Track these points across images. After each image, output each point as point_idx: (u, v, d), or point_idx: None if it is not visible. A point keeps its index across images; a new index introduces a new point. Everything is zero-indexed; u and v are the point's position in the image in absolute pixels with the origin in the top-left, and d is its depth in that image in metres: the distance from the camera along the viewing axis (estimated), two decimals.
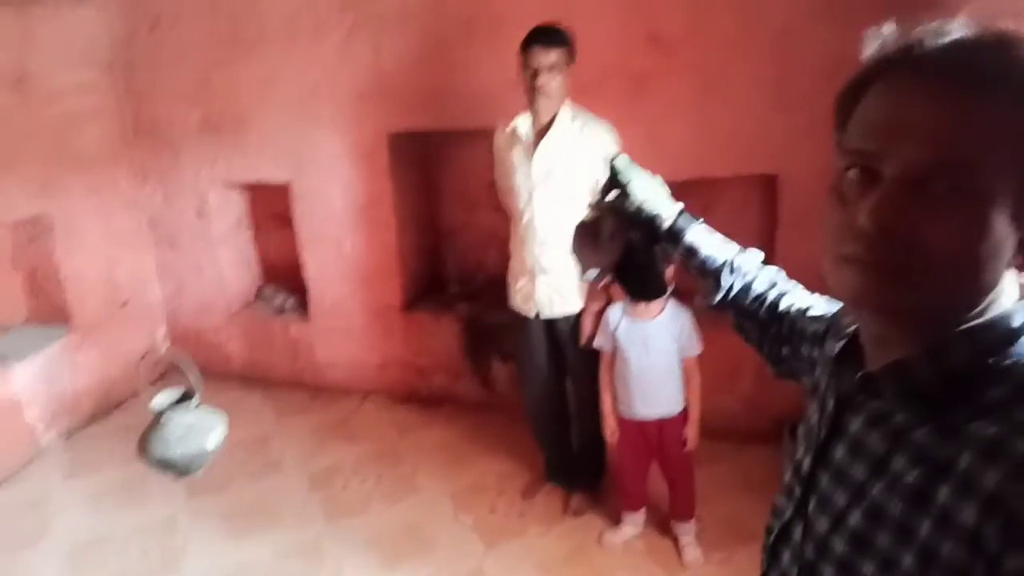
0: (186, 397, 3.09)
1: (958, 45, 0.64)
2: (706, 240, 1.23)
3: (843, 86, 0.73)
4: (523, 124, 2.84)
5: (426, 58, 3.59)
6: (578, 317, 2.95)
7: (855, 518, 0.71)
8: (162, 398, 3.05)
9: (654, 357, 2.73)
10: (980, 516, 0.59)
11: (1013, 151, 0.62)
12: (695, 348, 2.76)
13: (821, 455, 0.80)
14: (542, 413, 3.23)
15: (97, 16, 4.02)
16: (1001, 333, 0.67)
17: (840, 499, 0.75)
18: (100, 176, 4.14)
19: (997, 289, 0.67)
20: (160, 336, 4.62)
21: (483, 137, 3.18)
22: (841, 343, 0.83)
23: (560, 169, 2.79)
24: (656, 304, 2.70)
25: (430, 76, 3.60)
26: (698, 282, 1.26)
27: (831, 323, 0.98)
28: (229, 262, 4.49)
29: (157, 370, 4.45)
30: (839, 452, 0.77)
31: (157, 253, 4.54)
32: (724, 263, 1.21)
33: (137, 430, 3.15)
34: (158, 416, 3.00)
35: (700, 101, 3.21)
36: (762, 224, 3.48)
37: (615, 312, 2.79)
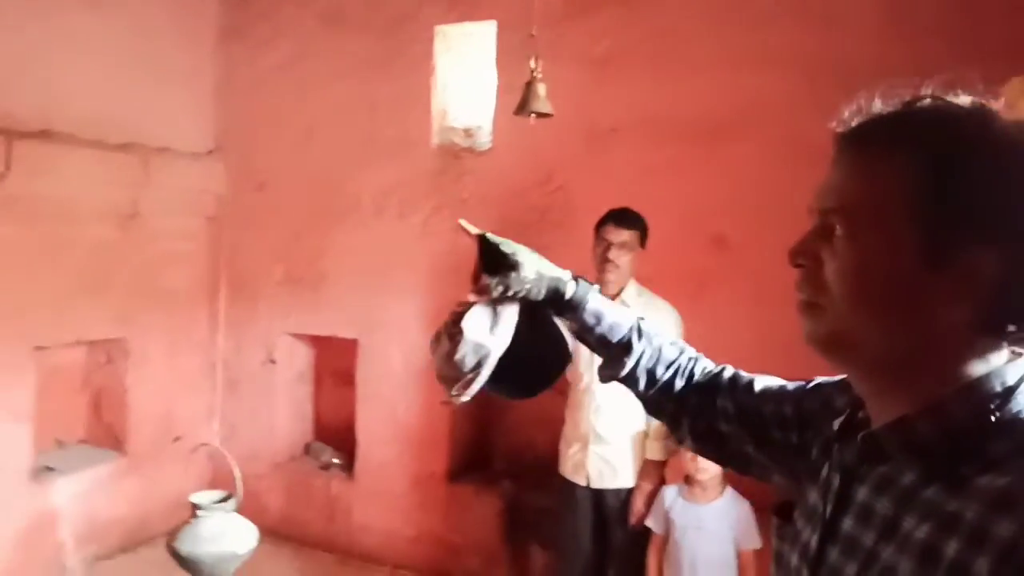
0: (227, 499, 3.06)
1: (871, 116, 0.75)
2: (608, 306, 1.16)
3: None
4: None
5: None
6: (629, 493, 2.88)
7: None
8: (202, 496, 3.03)
9: (709, 544, 2.63)
10: (995, 565, 0.59)
11: (912, 203, 0.69)
12: (754, 541, 2.64)
13: (829, 531, 0.78)
14: None
15: (210, 172, 4.48)
16: (997, 388, 0.69)
17: (850, 570, 0.73)
18: (180, 315, 4.39)
19: (967, 343, 0.70)
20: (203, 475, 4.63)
21: None
22: (840, 419, 0.84)
23: None
24: (713, 488, 2.62)
25: None
26: (601, 353, 1.17)
27: (821, 403, 0.97)
28: (285, 413, 4.56)
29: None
30: (847, 524, 0.76)
31: (218, 395, 4.67)
32: (631, 328, 1.15)
33: (162, 567, 3.09)
34: (194, 510, 2.97)
35: (758, 303, 3.24)
36: None
37: (670, 493, 2.72)
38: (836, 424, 0.84)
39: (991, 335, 0.70)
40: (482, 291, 1.14)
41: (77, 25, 3.73)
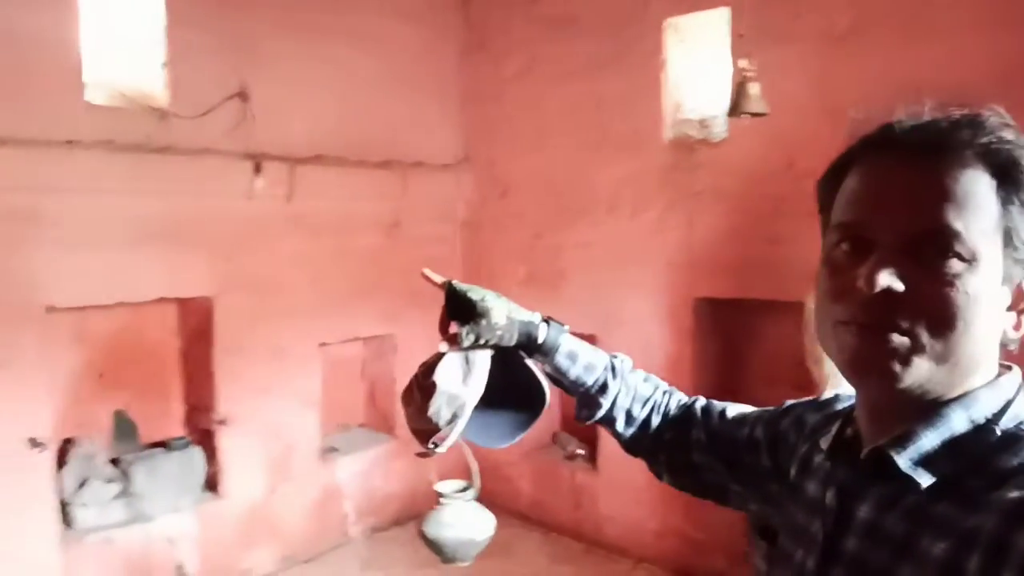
0: (466, 489, 3.32)
1: (933, 125, 0.70)
2: (582, 346, 1.11)
3: (824, 172, 0.78)
4: None
5: (736, 230, 3.68)
6: None
7: None
8: (445, 485, 3.32)
9: None
10: None
11: (992, 219, 0.67)
12: None
13: (829, 552, 0.76)
14: None
15: (457, 182, 4.86)
16: (996, 398, 0.69)
17: None
18: (437, 312, 4.78)
19: (989, 355, 0.70)
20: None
21: (792, 312, 3.11)
22: (830, 438, 0.82)
23: None
24: None
25: (740, 248, 3.67)
26: (576, 395, 1.13)
27: (793, 422, 0.93)
28: None
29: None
30: (851, 543, 0.74)
31: None
32: (605, 368, 1.10)
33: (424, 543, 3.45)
34: (438, 497, 3.27)
35: None
36: None
37: None
38: (824, 443, 0.82)
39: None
40: (452, 340, 1.11)
41: (342, 60, 4.24)
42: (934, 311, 0.66)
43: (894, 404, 0.72)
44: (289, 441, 4.14)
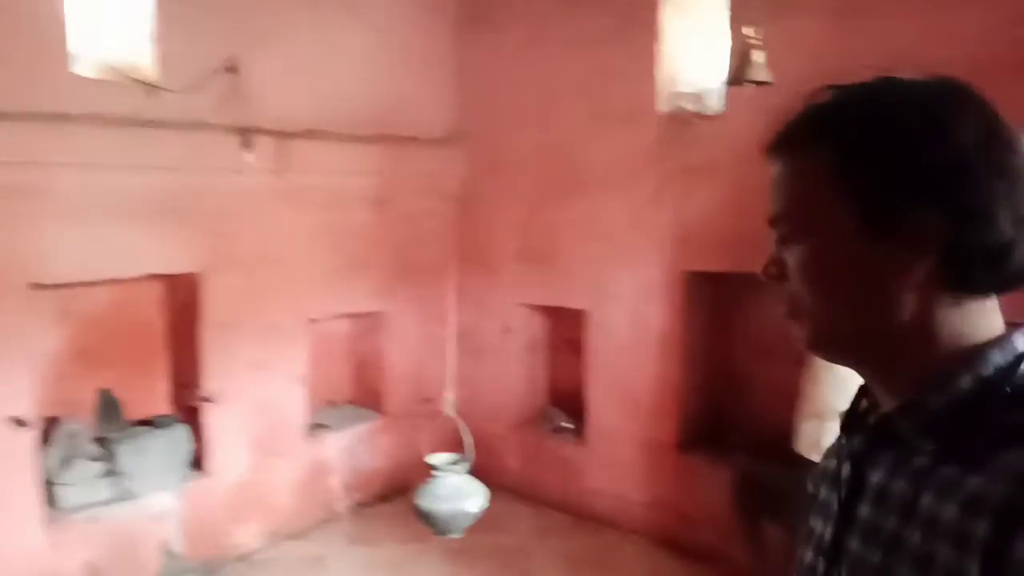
0: (458, 462, 3.31)
1: (785, 123, 0.77)
2: None
3: None
4: None
5: (731, 205, 3.68)
6: None
7: (904, 572, 0.67)
8: (438, 457, 3.30)
9: None
10: None
11: (838, 186, 0.72)
12: None
13: (844, 521, 0.77)
14: None
15: (450, 157, 4.78)
16: (1004, 357, 0.69)
17: (875, 556, 0.71)
18: (427, 288, 4.76)
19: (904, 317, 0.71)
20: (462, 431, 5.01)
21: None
22: (845, 410, 0.84)
23: None
24: None
25: (733, 221, 3.67)
26: None
27: None
28: (521, 379, 4.80)
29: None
30: (864, 511, 0.75)
31: (461, 362, 5.00)
32: None
33: (413, 518, 3.44)
34: (430, 470, 3.26)
35: None
36: None
37: None
38: (840, 416, 0.84)
39: (962, 292, 0.70)
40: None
41: (335, 33, 4.14)
42: (803, 288, 0.76)
43: (873, 375, 0.77)
44: (276, 418, 4.09)
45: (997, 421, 0.66)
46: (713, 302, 4.13)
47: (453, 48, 4.79)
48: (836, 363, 0.82)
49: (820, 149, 0.73)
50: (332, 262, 4.23)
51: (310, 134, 4.00)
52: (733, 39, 2.65)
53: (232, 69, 3.59)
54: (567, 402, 4.75)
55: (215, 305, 3.75)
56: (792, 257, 0.76)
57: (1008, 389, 0.67)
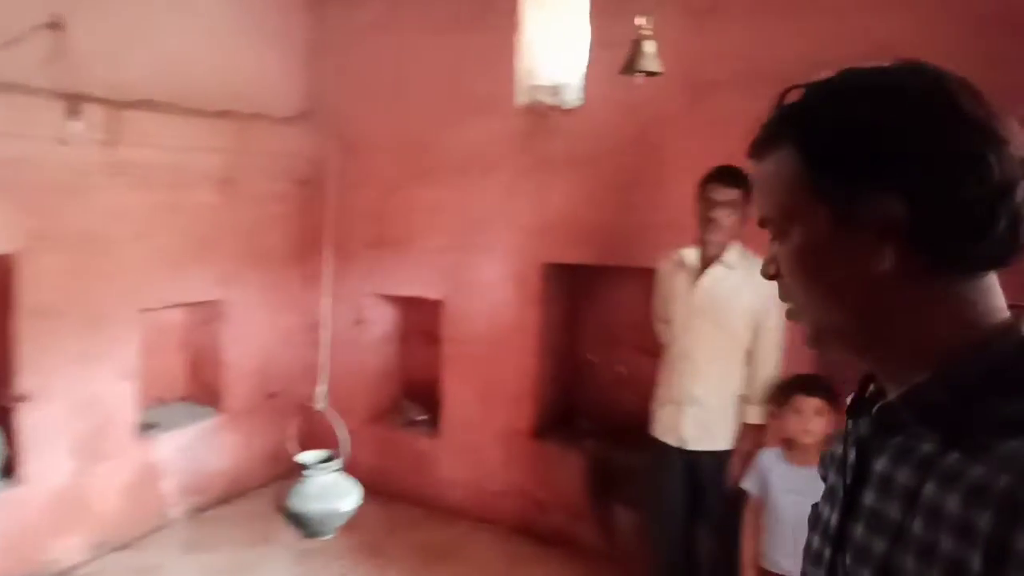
0: (329, 459, 3.16)
1: (759, 131, 0.80)
2: None
3: None
4: (690, 254, 2.93)
5: (590, 197, 3.78)
6: (724, 455, 2.87)
7: (907, 562, 0.67)
8: (308, 456, 3.14)
9: (808, 507, 2.55)
10: None
11: (805, 181, 0.74)
12: None
13: (849, 508, 0.77)
14: (668, 563, 3.05)
15: (302, 137, 4.54)
16: (1009, 343, 0.70)
17: (879, 545, 0.71)
18: (276, 275, 4.51)
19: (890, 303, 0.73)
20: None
21: (633, 276, 3.27)
22: (851, 396, 0.84)
23: (721, 300, 2.82)
24: (815, 452, 2.56)
25: (592, 215, 3.78)
26: None
27: None
28: (374, 371, 4.67)
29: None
30: (869, 498, 0.75)
31: (311, 353, 4.78)
32: None
33: (261, 518, 3.23)
34: (300, 470, 3.08)
35: None
36: None
37: (769, 456, 2.66)
38: (848, 400, 0.84)
39: (947, 274, 0.71)
40: None
41: None
42: (795, 284, 0.79)
43: (875, 365, 0.79)
44: (102, 417, 3.70)
45: (1000, 410, 0.65)
46: (568, 293, 4.22)
47: (306, 22, 4.55)
48: (840, 357, 0.80)
49: (786, 145, 0.76)
50: (171, 246, 3.88)
51: (146, 104, 3.64)
52: (637, 31, 2.72)
53: (55, 26, 3.20)
54: (422, 394, 4.68)
55: (33, 290, 3.32)
56: (782, 255, 0.80)
57: (1012, 376, 0.67)
